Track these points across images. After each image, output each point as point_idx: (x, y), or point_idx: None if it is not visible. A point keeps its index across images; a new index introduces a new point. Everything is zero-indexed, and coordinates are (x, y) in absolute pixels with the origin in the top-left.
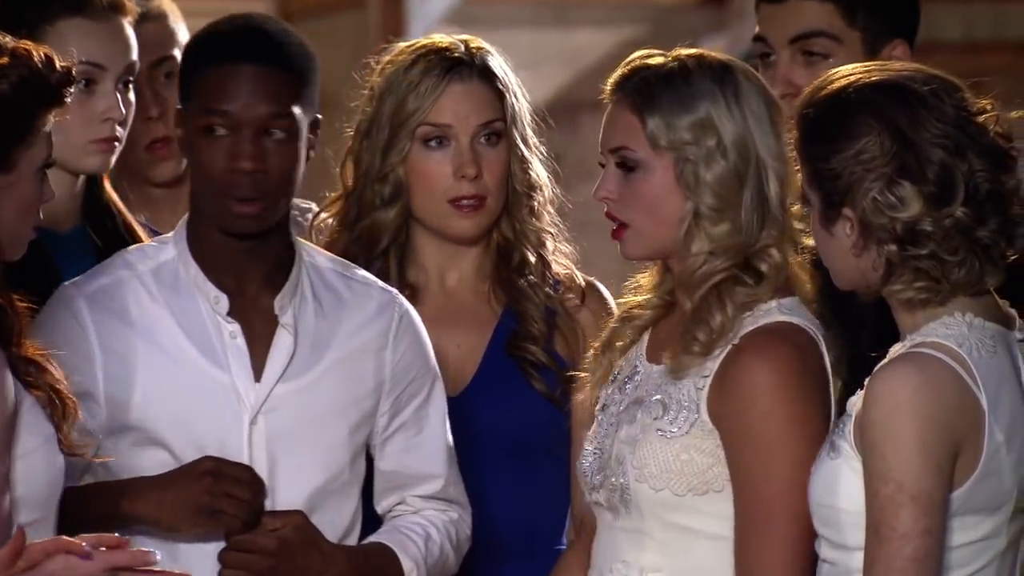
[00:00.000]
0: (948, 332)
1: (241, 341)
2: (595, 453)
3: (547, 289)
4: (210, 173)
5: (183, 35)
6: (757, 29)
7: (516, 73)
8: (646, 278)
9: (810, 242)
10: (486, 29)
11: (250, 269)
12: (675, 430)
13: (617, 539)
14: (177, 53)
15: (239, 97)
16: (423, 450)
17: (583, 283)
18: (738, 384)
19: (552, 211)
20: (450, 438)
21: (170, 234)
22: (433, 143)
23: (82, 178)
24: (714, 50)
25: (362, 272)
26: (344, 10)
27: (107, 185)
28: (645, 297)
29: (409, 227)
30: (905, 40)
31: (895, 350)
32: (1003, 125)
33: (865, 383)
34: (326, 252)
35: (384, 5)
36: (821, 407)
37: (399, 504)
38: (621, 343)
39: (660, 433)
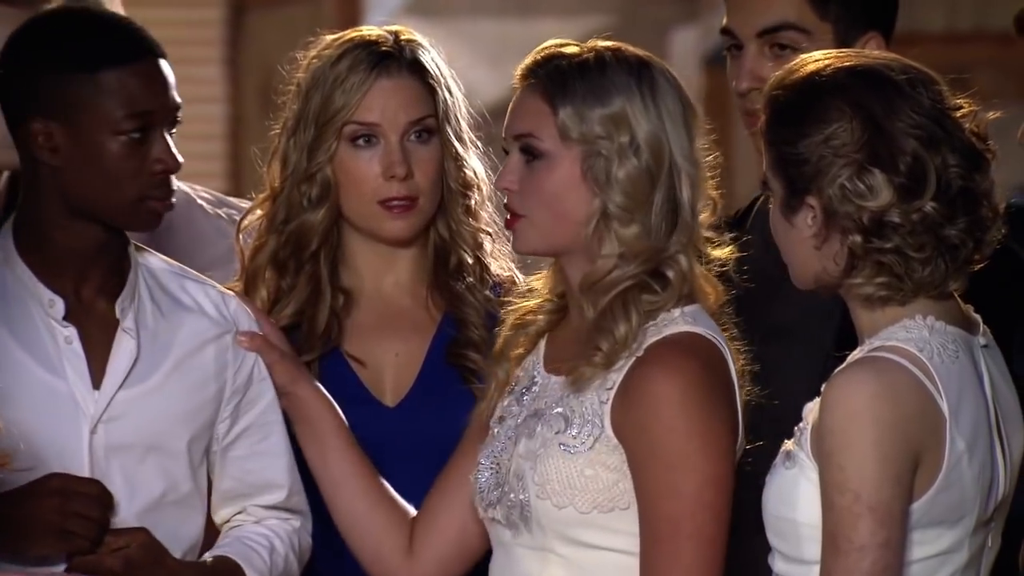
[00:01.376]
0: (908, 336)
1: (78, 346)
2: (492, 468)
3: (487, 292)
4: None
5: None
6: (724, 21)
7: (478, 64)
8: (538, 281)
9: (716, 253)
10: (448, 19)
11: (91, 271)
12: (579, 445)
13: (517, 556)
14: None
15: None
16: (268, 458)
17: (522, 283)
18: (642, 397)
19: (492, 209)
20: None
21: None
22: (361, 142)
23: (6, 176)
24: (685, 42)
25: (195, 272)
26: (299, 0)
27: None
28: (537, 302)
29: (340, 229)
30: (880, 32)
31: (853, 355)
32: (979, 124)
33: (822, 389)
34: (157, 253)
35: None
36: (728, 421)
37: (239, 514)
38: (516, 352)
39: (563, 448)
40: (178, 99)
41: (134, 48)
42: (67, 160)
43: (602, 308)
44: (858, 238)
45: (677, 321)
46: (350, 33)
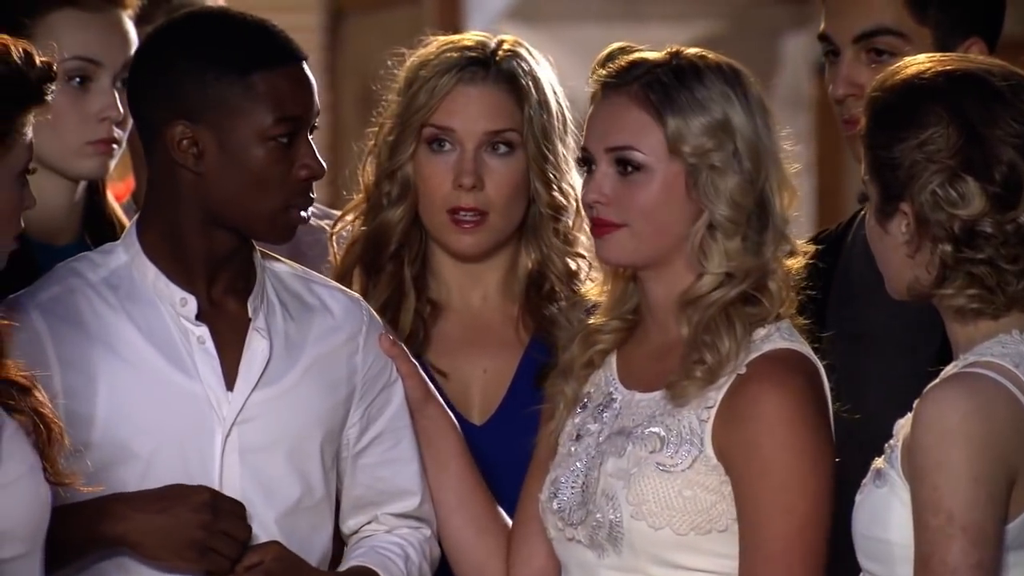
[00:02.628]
0: (1004, 351)
1: (211, 346)
2: (574, 487)
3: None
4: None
5: None
6: (822, 26)
7: (582, 71)
8: (598, 294)
9: (789, 263)
10: (551, 24)
11: (220, 274)
12: (676, 465)
13: None
14: None
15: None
16: (399, 464)
17: None
18: (752, 415)
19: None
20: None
21: (115, 242)
22: (436, 146)
23: (83, 186)
24: (796, 48)
25: (321, 276)
26: (399, 4)
27: (109, 195)
28: (604, 318)
29: (426, 237)
30: (982, 39)
31: (947, 370)
32: None
33: (914, 406)
34: (281, 258)
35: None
36: (830, 437)
37: (369, 523)
38: (584, 368)
39: (660, 467)
40: (319, 103)
41: (283, 51)
42: (211, 166)
43: (704, 323)
44: (948, 247)
45: (774, 337)
46: (454, 37)
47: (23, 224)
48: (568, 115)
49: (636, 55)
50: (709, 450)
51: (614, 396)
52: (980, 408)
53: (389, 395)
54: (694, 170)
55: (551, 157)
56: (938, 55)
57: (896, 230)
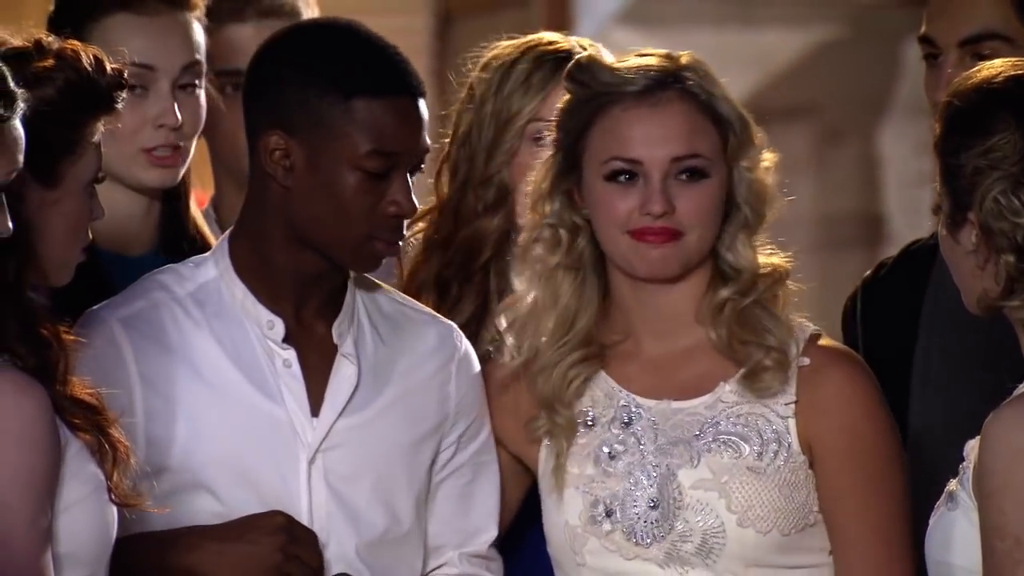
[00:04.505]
0: None
1: (297, 370)
2: (637, 505)
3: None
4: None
5: None
6: (923, 28)
7: None
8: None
9: (773, 260)
10: (663, 28)
11: (311, 295)
12: (768, 466)
13: None
14: None
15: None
16: (476, 500)
17: None
18: (844, 403)
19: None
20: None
21: (206, 254)
22: (542, 142)
23: (159, 195)
24: (917, 52)
25: (416, 303)
26: (507, 7)
27: (193, 205)
28: (567, 346)
29: (510, 245)
30: None
31: (1019, 389)
32: None
33: (984, 426)
34: (379, 281)
35: (549, 1)
36: None
37: (444, 565)
38: (569, 395)
39: (753, 472)
40: (428, 143)
41: (394, 82)
42: (299, 182)
43: (742, 320)
44: (1011, 258)
45: (802, 325)
46: (526, 38)
47: (91, 235)
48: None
49: (643, 61)
50: (796, 445)
51: (635, 409)
52: None
53: (479, 428)
54: (734, 170)
55: None
56: (1015, 60)
57: (966, 240)
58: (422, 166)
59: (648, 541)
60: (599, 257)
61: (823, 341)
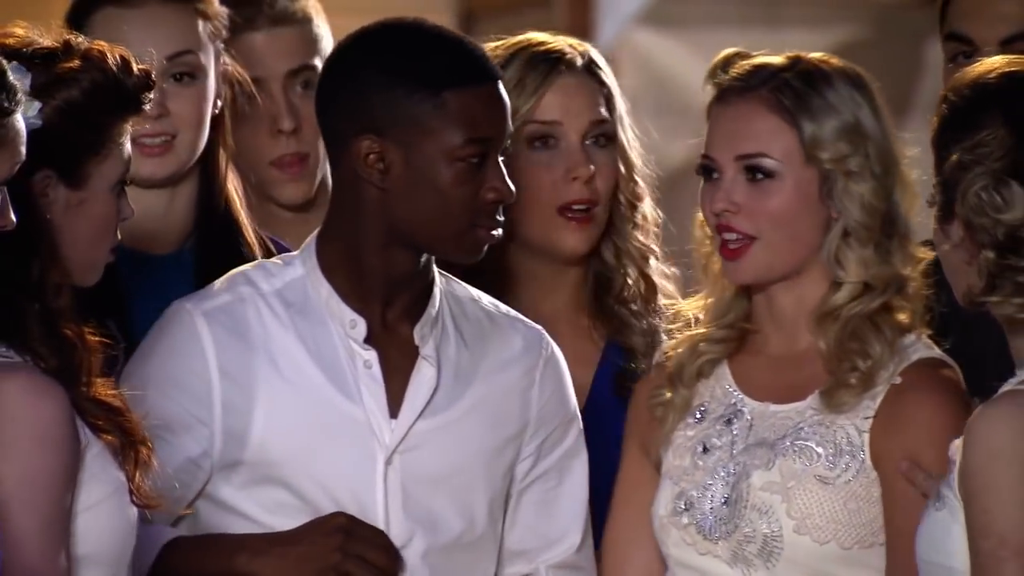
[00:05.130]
0: None
1: (377, 371)
2: (713, 501)
3: (654, 320)
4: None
5: (327, 42)
6: (954, 26)
7: None
8: (700, 303)
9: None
10: (686, 29)
11: (398, 296)
12: (837, 477)
13: None
14: (318, 62)
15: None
16: (561, 505)
17: (692, 319)
18: (912, 424)
19: (655, 231)
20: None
21: (295, 252)
22: (539, 143)
23: (187, 194)
24: (941, 53)
25: (505, 306)
26: (529, 8)
27: (234, 199)
28: (710, 326)
29: (501, 245)
30: None
31: (1003, 388)
32: None
33: (967, 425)
34: (465, 284)
35: (571, 2)
36: None
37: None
38: (694, 377)
39: (820, 480)
40: (511, 125)
41: (479, 70)
42: (397, 182)
43: (849, 332)
44: (991, 253)
45: (918, 346)
46: (516, 39)
47: (119, 236)
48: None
49: (758, 59)
50: (868, 460)
51: (740, 408)
52: None
53: (564, 432)
54: (829, 175)
55: (635, 148)
56: (1012, 57)
57: (955, 234)
58: (508, 148)
59: (716, 537)
60: None
61: (946, 372)
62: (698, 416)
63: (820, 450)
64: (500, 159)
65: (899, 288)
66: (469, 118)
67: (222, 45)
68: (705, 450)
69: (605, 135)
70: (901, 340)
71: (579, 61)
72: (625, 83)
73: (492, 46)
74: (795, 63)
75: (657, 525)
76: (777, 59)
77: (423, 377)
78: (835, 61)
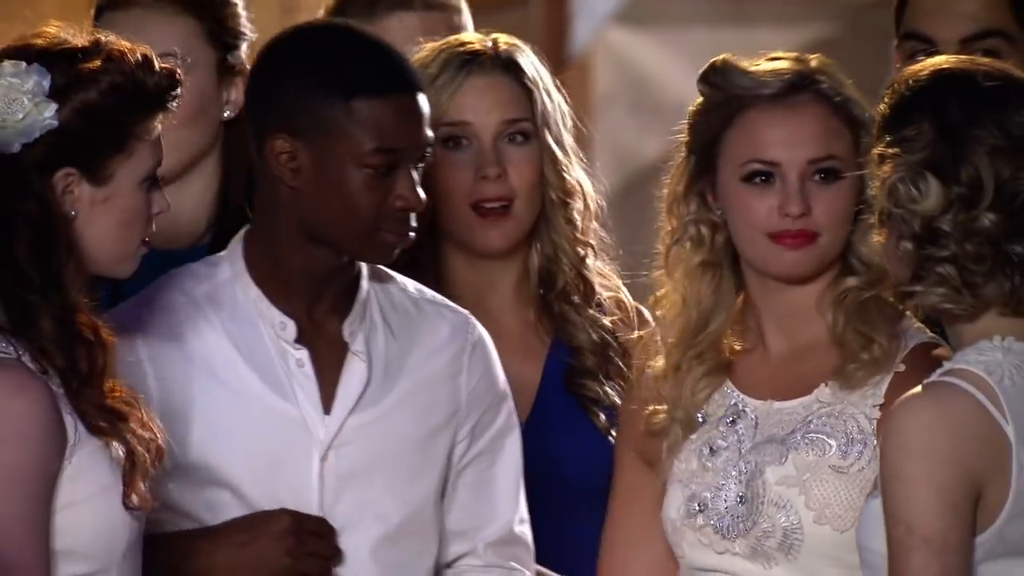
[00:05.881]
0: (980, 358)
1: (309, 369)
2: (728, 500)
3: (594, 313)
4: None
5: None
6: (915, 24)
7: (692, 74)
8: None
9: None
10: (660, 27)
11: (323, 293)
12: (852, 466)
13: None
14: None
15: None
16: (496, 484)
17: (632, 308)
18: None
19: (596, 226)
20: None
21: (222, 253)
22: (452, 143)
23: (205, 190)
24: None
25: (430, 292)
26: (508, 7)
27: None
28: (702, 347)
29: (439, 243)
30: None
31: (930, 379)
32: None
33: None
34: (387, 270)
35: (547, 2)
36: None
37: (468, 555)
38: (691, 401)
39: (835, 470)
40: (430, 135)
41: (394, 80)
42: (307, 182)
43: (857, 313)
44: (909, 245)
45: (913, 332)
46: (445, 40)
47: (154, 227)
48: (568, 108)
49: (778, 64)
50: (879, 448)
51: (742, 408)
52: (941, 419)
53: (495, 413)
54: (863, 173)
55: (564, 144)
56: (948, 56)
57: (892, 227)
58: (427, 158)
59: (734, 535)
60: (735, 255)
61: (939, 351)
62: (700, 420)
63: (832, 441)
64: (414, 168)
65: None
66: (379, 127)
67: (247, 38)
68: (712, 452)
69: (521, 133)
70: (899, 325)
71: (492, 60)
72: (600, 81)
73: (428, 47)
74: (805, 62)
75: (670, 529)
76: (789, 62)
77: (354, 373)
78: (825, 58)
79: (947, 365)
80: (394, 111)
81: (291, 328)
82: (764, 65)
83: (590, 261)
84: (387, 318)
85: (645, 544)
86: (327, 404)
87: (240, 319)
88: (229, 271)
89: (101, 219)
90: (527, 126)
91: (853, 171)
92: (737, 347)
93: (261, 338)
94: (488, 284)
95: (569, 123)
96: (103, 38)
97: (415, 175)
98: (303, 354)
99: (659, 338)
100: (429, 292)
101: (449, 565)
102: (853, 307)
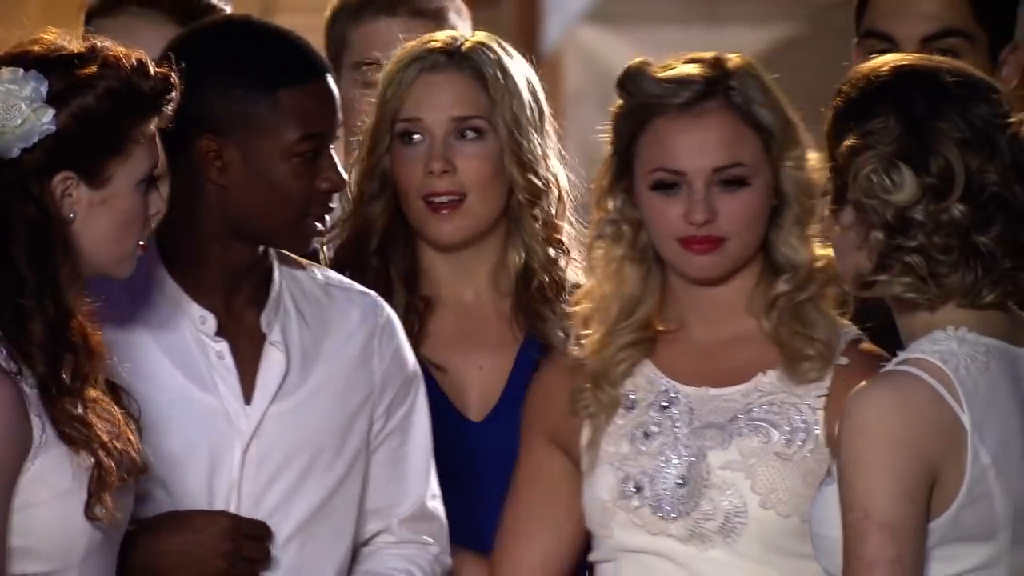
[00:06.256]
0: (935, 348)
1: (229, 361)
2: (666, 482)
3: (566, 309)
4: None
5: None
6: (875, 23)
7: None
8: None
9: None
10: (631, 26)
11: (240, 286)
12: (796, 453)
13: (702, 571)
14: None
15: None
16: (408, 461)
17: None
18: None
19: (574, 221)
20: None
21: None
22: (407, 139)
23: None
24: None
25: (338, 276)
26: (481, 6)
27: None
28: (627, 328)
29: (411, 233)
30: (1014, 42)
31: (887, 367)
32: None
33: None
34: (297, 257)
35: (519, 1)
36: None
37: (382, 532)
38: (618, 378)
39: (779, 457)
40: (341, 115)
41: (309, 66)
42: (235, 179)
43: (795, 314)
44: (881, 234)
45: (845, 327)
46: (425, 36)
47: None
48: (545, 106)
49: (684, 69)
50: (822, 437)
51: (673, 395)
52: (898, 406)
53: (407, 392)
54: (780, 171)
55: (525, 144)
56: (902, 55)
57: (846, 219)
58: (338, 138)
59: (673, 516)
60: None
61: (864, 345)
62: (628, 405)
63: (776, 429)
64: (331, 148)
65: (833, 272)
66: (303, 115)
67: None
68: (647, 436)
69: (473, 129)
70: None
71: (449, 58)
72: (570, 79)
73: (408, 44)
74: (719, 65)
75: (598, 510)
76: (698, 67)
77: (272, 362)
78: (746, 58)
79: (903, 355)
80: (314, 97)
81: (211, 322)
82: (677, 70)
83: (563, 261)
84: (300, 307)
85: (547, 524)
86: (247, 395)
87: (161, 314)
88: (146, 268)
89: (99, 221)
90: (479, 123)
91: (761, 175)
92: (660, 327)
93: (181, 332)
94: (462, 276)
95: (544, 123)
96: (98, 44)
97: (335, 156)
98: (223, 346)
99: (576, 331)
100: (336, 277)
101: (365, 543)
102: (787, 311)
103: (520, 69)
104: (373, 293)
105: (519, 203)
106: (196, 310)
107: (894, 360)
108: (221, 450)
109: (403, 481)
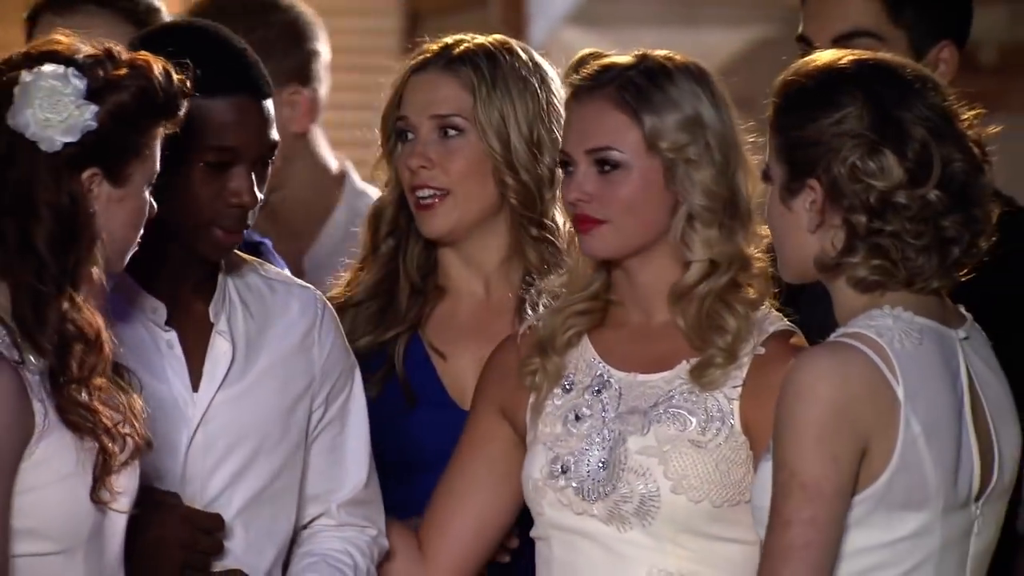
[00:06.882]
0: (871, 324)
1: (178, 350)
2: (590, 464)
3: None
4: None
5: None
6: (801, 28)
7: None
8: (564, 279)
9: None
10: (612, 28)
11: (186, 276)
12: (710, 441)
13: (623, 552)
14: None
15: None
16: (346, 447)
17: None
18: (785, 391)
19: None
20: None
21: None
22: (401, 136)
23: None
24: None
25: (276, 269)
26: (469, 9)
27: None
28: (578, 298)
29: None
30: (953, 41)
31: (831, 337)
32: (980, 133)
33: None
34: (245, 256)
35: (505, 3)
36: None
37: (322, 516)
38: (565, 346)
39: (694, 444)
40: (274, 138)
41: (233, 82)
42: (157, 179)
43: (705, 312)
44: (862, 218)
45: (772, 319)
46: (443, 39)
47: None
48: (559, 105)
49: (606, 60)
50: (737, 426)
51: (607, 378)
52: (833, 372)
53: (346, 381)
54: (671, 164)
55: (514, 145)
56: (848, 51)
57: (800, 207)
58: (272, 159)
59: (594, 498)
60: None
61: (794, 339)
62: (567, 387)
63: (692, 417)
64: (259, 167)
65: (743, 265)
66: (214, 126)
67: None
68: (578, 418)
69: (452, 127)
70: (755, 314)
71: (437, 59)
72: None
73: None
74: (640, 61)
75: (531, 488)
76: (625, 58)
77: (219, 351)
78: (679, 58)
79: (841, 329)
80: (229, 112)
81: (162, 311)
82: (603, 60)
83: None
84: (244, 298)
85: (484, 489)
86: (195, 383)
87: (113, 303)
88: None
89: (114, 219)
90: (458, 121)
91: (640, 164)
92: (613, 298)
93: (133, 321)
94: (470, 268)
95: (550, 122)
96: (114, 47)
97: (254, 176)
98: (172, 336)
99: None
100: (273, 270)
101: (305, 526)
102: (694, 307)
103: (524, 72)
104: (312, 287)
105: (510, 206)
106: (149, 301)
107: (834, 333)
108: (170, 437)
109: (342, 467)
